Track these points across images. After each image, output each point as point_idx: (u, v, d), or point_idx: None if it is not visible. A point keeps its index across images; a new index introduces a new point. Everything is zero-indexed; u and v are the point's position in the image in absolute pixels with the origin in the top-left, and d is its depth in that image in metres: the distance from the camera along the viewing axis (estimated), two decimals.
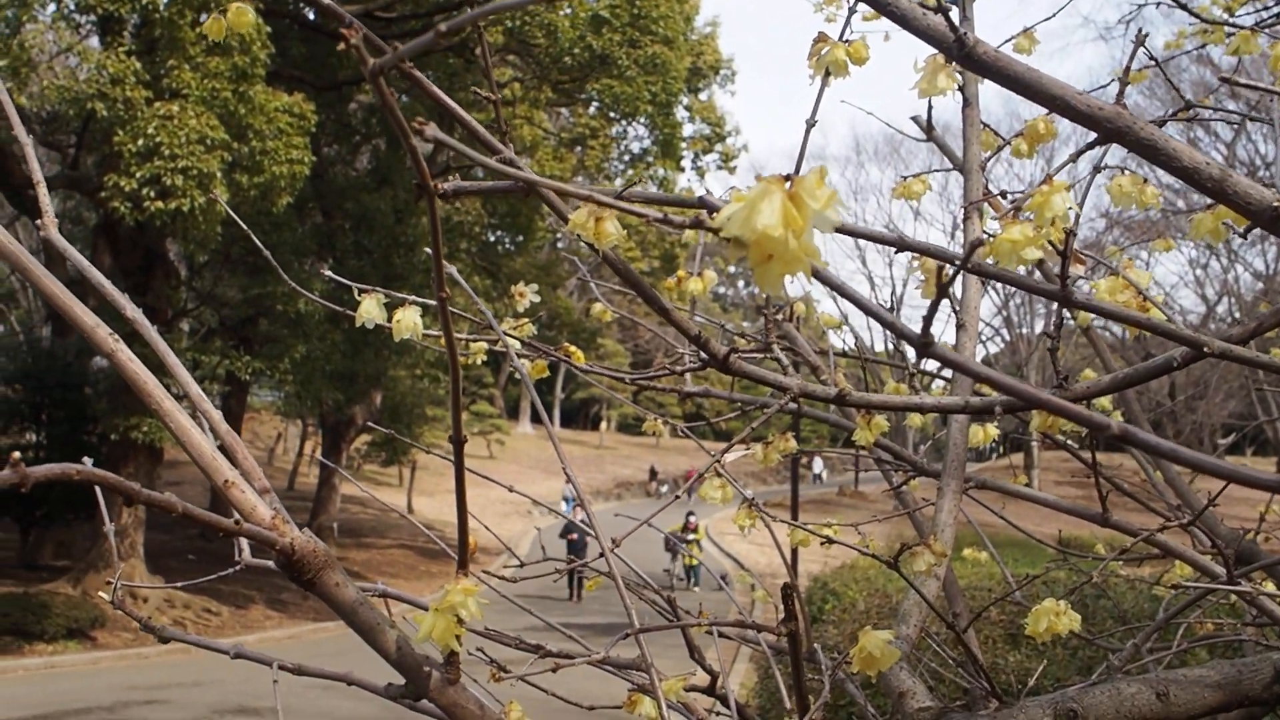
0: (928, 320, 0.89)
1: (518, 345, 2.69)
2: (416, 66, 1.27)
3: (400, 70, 0.87)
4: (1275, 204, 1.52)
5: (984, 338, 52.33)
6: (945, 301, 1.12)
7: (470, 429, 54.09)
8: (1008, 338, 53.10)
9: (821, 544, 2.82)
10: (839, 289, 1.36)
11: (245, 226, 2.62)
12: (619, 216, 1.73)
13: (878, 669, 1.80)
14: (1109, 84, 1.69)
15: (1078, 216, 1.89)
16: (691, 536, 25.85)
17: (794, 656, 1.72)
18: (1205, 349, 1.70)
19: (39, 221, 1.64)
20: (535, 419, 66.17)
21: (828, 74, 2.00)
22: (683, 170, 28.74)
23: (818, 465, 63.86)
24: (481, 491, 40.09)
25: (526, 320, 2.89)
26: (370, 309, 2.21)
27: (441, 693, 1.50)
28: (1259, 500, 3.43)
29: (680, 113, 27.27)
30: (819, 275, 1.38)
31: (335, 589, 1.47)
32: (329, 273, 2.55)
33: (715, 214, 0.95)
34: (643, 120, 25.59)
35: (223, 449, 1.60)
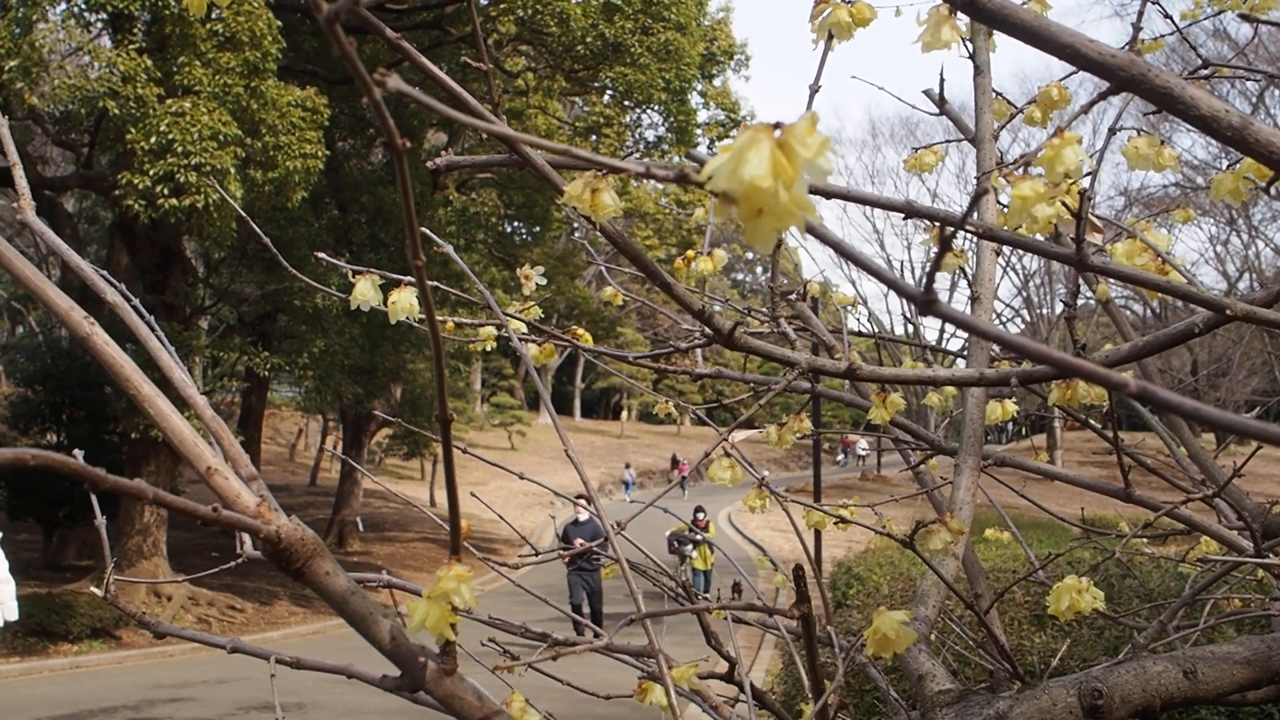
0: (930, 276, 0.83)
1: (522, 328, 2.64)
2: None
3: (356, 15, 0.81)
4: None
5: (1004, 318, 52.21)
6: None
7: (491, 420, 54.39)
8: (1028, 318, 52.90)
9: (836, 524, 2.76)
10: (835, 245, 1.30)
11: (253, 223, 2.57)
12: (619, 190, 1.67)
13: (894, 651, 1.74)
14: (1123, 47, 1.62)
15: (1093, 179, 1.82)
16: (702, 536, 22.17)
17: (808, 639, 1.66)
18: (1228, 311, 1.63)
19: (17, 204, 1.59)
20: (558, 408, 66.44)
21: (831, 38, 1.94)
22: None
23: (862, 447, 64.08)
24: (504, 483, 40.15)
25: (533, 303, 2.84)
26: (365, 291, 2.15)
27: (438, 684, 1.44)
28: None
29: (694, 99, 27.22)
30: (813, 230, 1.32)
31: (325, 578, 1.42)
32: (323, 255, 2.50)
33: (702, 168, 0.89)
34: (657, 108, 25.55)
35: (230, 442, 1.55)
